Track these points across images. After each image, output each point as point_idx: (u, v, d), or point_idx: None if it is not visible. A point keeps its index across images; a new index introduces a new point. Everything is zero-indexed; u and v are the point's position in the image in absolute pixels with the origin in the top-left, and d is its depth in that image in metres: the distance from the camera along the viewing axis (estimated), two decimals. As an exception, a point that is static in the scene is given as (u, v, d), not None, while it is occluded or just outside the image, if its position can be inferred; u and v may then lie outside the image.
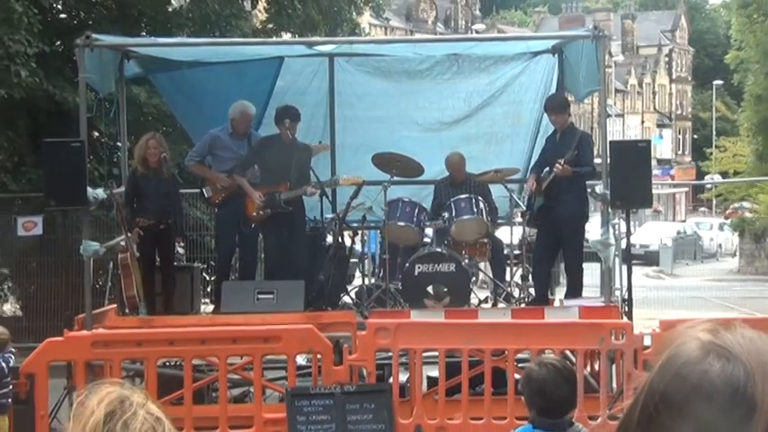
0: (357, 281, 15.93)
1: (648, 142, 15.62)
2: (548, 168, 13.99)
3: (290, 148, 14.30)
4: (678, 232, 54.42)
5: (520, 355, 12.26)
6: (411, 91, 16.00)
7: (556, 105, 14.37)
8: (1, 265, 22.05)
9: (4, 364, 10.91)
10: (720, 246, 57.63)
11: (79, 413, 2.65)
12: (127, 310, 14.28)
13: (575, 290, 14.60)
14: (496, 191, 15.10)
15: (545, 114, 15.53)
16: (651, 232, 50.62)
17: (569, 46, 15.33)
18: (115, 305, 14.50)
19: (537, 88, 15.96)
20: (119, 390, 2.66)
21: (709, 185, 67.26)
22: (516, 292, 15.11)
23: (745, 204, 52.00)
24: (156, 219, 14.42)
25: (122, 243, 14.50)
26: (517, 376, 12.01)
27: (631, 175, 13.15)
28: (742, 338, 1.37)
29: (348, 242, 15.69)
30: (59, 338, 12.16)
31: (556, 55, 15.72)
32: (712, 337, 1.37)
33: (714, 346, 1.36)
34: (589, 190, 14.20)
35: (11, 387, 10.98)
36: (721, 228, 58.94)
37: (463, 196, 14.28)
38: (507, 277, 15.31)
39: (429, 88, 16.03)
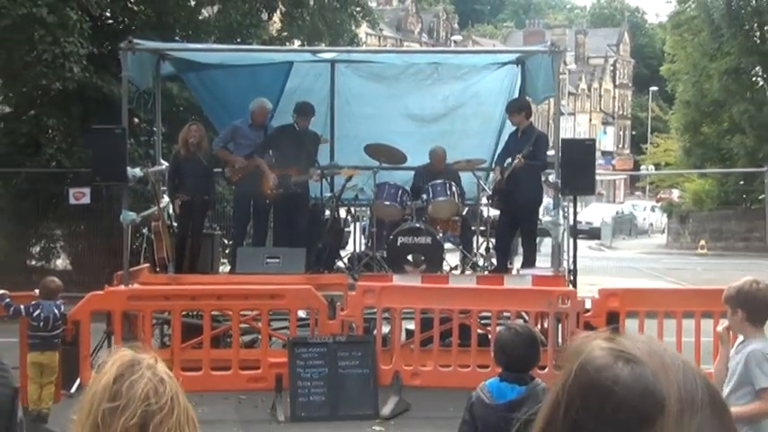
0: (349, 249, 15.87)
1: (593, 140, 15.69)
2: (509, 160, 14.05)
3: (303, 138, 14.35)
4: (617, 212, 54.53)
5: (482, 314, 12.27)
6: (398, 93, 15.99)
7: (513, 108, 14.45)
8: (55, 227, 22.03)
9: (56, 311, 10.87)
10: (652, 224, 57.80)
11: (98, 372, 2.66)
12: (158, 269, 14.32)
13: (529, 261, 14.69)
14: (466, 177, 15.12)
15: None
16: (595, 212, 50.80)
17: (530, 59, 15.44)
18: (148, 264, 14.51)
19: (503, 93, 15.98)
20: (132, 354, 2.65)
21: (644, 174, 67.25)
22: (481, 262, 15.15)
23: (675, 191, 52.21)
24: (193, 195, 14.48)
25: (155, 213, 14.50)
26: (479, 332, 12.09)
27: (578, 168, 13.18)
28: (638, 343, 1.35)
29: (343, 216, 15.70)
30: (100, 292, 12.17)
31: (519, 65, 15.74)
32: (614, 345, 1.35)
33: (619, 353, 1.33)
34: (543, 179, 14.22)
35: (61, 330, 10.95)
36: (653, 209, 59.30)
37: (438, 181, 14.30)
38: (474, 249, 15.30)
39: (413, 91, 16.03)
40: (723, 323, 6.46)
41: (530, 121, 14.60)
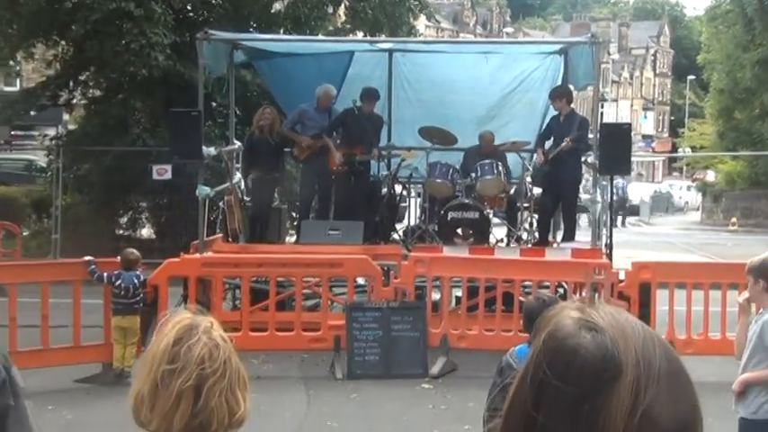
0: (404, 222, 15.85)
1: (630, 125, 15.46)
2: (553, 143, 13.97)
3: (367, 121, 14.32)
4: (655, 191, 54.07)
5: (525, 283, 12.20)
6: (450, 80, 15.85)
7: (555, 95, 14.30)
8: (141, 200, 22.23)
9: (136, 280, 10.98)
10: (687, 202, 57.02)
11: (160, 333, 2.65)
12: (230, 239, 14.39)
13: (569, 235, 14.57)
14: (512, 158, 15.02)
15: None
16: (634, 191, 50.16)
17: (573, 49, 15.25)
18: (222, 234, 14.58)
19: (547, 81, 15.80)
20: (191, 318, 2.65)
21: (680, 156, 66.44)
22: (524, 236, 15.04)
23: (709, 172, 51.67)
24: (264, 172, 14.55)
25: (228, 188, 14.56)
26: (521, 299, 12.00)
27: (616, 150, 13.02)
28: (604, 314, 1.36)
29: (399, 192, 15.66)
30: (177, 259, 12.25)
31: (562, 55, 15.55)
32: (582, 315, 1.36)
33: (584, 321, 1.34)
34: (584, 159, 14.10)
35: (141, 296, 11.06)
36: (689, 189, 58.51)
37: (486, 161, 14.21)
38: (518, 224, 15.21)
39: (464, 78, 15.87)
40: (744, 295, 6.35)
41: (571, 107, 14.43)
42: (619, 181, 43.34)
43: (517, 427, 1.34)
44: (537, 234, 14.82)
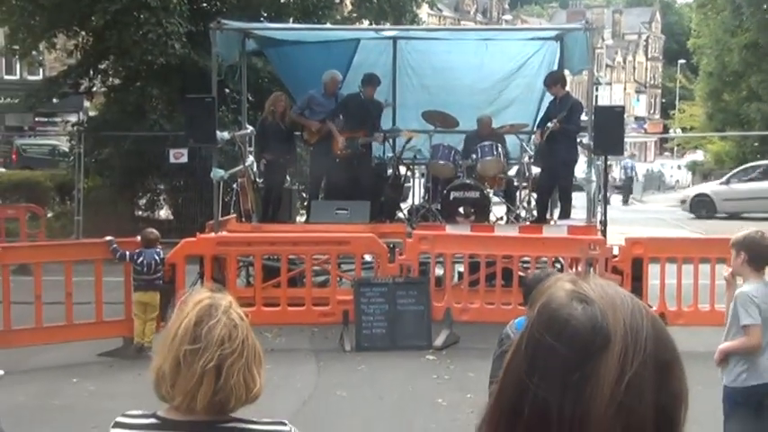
0: (408, 202, 15.84)
1: (622, 107, 15.36)
2: (549, 124, 13.95)
3: (369, 105, 14.33)
4: (647, 170, 54.01)
5: (523, 259, 12.18)
6: (452, 66, 15.81)
7: (549, 81, 14.22)
8: (158, 183, 22.25)
9: (157, 257, 11.02)
10: (678, 181, 56.92)
11: (180, 311, 2.65)
12: (243, 219, 14.43)
13: (565, 213, 14.56)
14: (511, 140, 15.00)
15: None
16: (615, 170, 50.09)
17: (568, 35, 15.25)
18: (235, 215, 14.59)
19: (544, 66, 15.77)
20: (210, 297, 2.65)
21: (671, 137, 66.35)
22: (523, 214, 15.01)
23: (699, 152, 51.61)
24: (276, 155, 14.56)
25: (241, 170, 14.57)
26: (520, 274, 11.99)
27: (609, 131, 13.00)
28: (595, 286, 1.38)
29: (403, 173, 15.63)
30: (193, 239, 12.27)
31: (558, 42, 15.52)
32: (574, 287, 1.38)
33: (576, 293, 1.36)
34: (579, 140, 14.06)
35: (161, 273, 11.09)
36: (679, 168, 58.47)
37: (486, 143, 14.20)
38: (517, 202, 15.19)
39: (465, 64, 15.82)
40: (728, 270, 6.36)
41: (566, 91, 14.36)
42: (628, 161, 43.48)
43: (512, 392, 1.35)
44: (535, 212, 14.80)
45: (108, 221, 17.57)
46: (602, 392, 1.28)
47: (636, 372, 1.29)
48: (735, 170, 34.54)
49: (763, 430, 6.27)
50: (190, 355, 2.52)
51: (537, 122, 14.95)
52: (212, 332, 2.53)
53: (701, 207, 31.13)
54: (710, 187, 32.13)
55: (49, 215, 20.99)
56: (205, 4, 21.24)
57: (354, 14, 22.53)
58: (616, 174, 43.78)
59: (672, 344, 1.37)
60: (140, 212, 22.35)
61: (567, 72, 15.92)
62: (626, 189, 43.13)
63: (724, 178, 34.21)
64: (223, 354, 2.51)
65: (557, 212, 15.50)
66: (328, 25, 19.30)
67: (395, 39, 15.91)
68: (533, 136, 14.59)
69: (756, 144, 39.78)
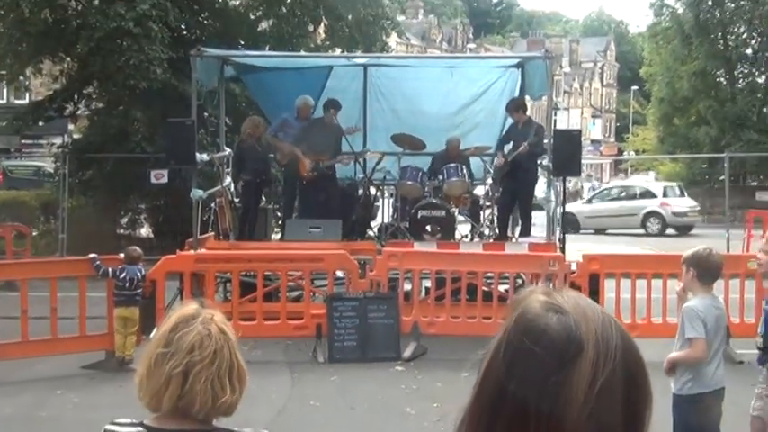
0: (378, 220, 15.83)
1: (579, 131, 15.44)
2: (512, 147, 14.04)
3: (331, 129, 14.34)
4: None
5: (487, 275, 12.21)
6: (419, 92, 15.89)
7: (511, 107, 14.42)
8: (140, 202, 22.14)
9: (139, 274, 10.96)
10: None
11: (165, 320, 2.67)
12: (221, 237, 14.35)
13: (526, 230, 14.64)
14: (475, 161, 15.06)
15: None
16: (585, 190, 50.34)
17: (529, 63, 15.37)
18: (214, 233, 14.52)
19: (506, 91, 15.88)
20: (196, 308, 2.66)
21: (625, 159, 66.85)
22: (486, 231, 15.06)
23: (651, 173, 51.95)
24: (252, 176, 14.54)
25: (219, 190, 14.52)
26: (484, 289, 12.02)
27: (567, 154, 13.04)
28: (567, 298, 1.41)
29: (373, 193, 15.64)
30: (173, 256, 12.20)
31: (519, 69, 15.62)
32: (548, 298, 1.41)
33: (550, 304, 1.39)
34: (539, 162, 14.14)
35: (141, 289, 11.03)
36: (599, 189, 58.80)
37: (452, 165, 14.28)
38: (481, 221, 15.22)
39: (432, 90, 15.88)
40: (680, 284, 6.42)
41: (527, 116, 14.50)
42: (596, 183, 43.84)
43: (491, 395, 1.38)
44: (497, 230, 14.86)
45: (91, 239, 17.41)
46: (576, 397, 1.31)
47: (607, 378, 1.32)
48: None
49: None
50: (160, 357, 2.53)
51: (496, 146, 15.06)
52: (183, 339, 2.53)
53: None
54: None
55: (35, 233, 20.76)
56: (185, 32, 21.20)
57: (327, 43, 22.57)
58: (585, 194, 44.29)
59: (638, 353, 1.40)
60: (122, 231, 22.20)
61: (527, 97, 16.07)
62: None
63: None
64: (191, 360, 2.50)
65: (518, 230, 15.59)
66: (302, 53, 19.33)
67: (365, 66, 15.94)
68: (495, 158, 14.66)
69: (705, 166, 40.17)
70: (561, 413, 1.31)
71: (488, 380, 1.40)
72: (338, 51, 21.45)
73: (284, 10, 21.63)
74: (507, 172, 14.21)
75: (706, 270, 6.06)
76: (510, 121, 14.98)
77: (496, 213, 15.08)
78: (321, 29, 22.86)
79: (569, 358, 1.33)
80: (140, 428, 2.61)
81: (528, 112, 14.66)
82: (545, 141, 13.95)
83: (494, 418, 1.37)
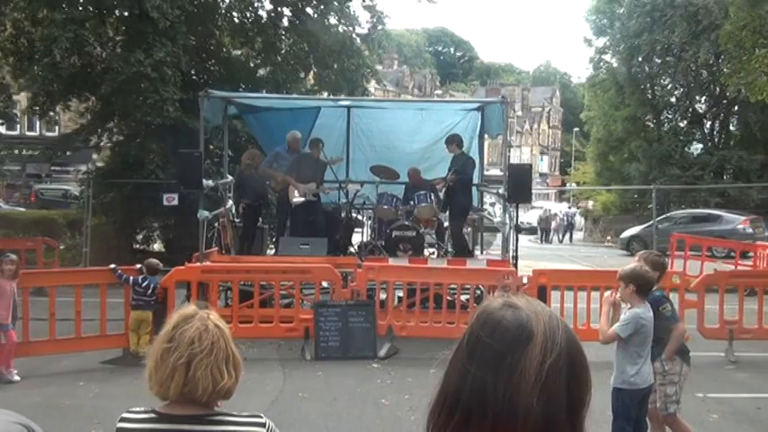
0: (358, 239, 15.81)
1: (530, 165, 15.48)
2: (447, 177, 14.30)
3: (315, 162, 14.34)
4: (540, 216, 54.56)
5: (451, 286, 12.22)
6: (394, 130, 15.90)
7: (448, 141, 14.39)
8: (153, 221, 22.03)
9: (156, 283, 10.99)
10: (573, 224, 57.55)
11: (168, 320, 2.68)
12: (223, 252, 14.29)
13: (459, 252, 14.50)
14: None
15: (474, 144, 15.68)
16: (533, 215, 50.54)
17: (487, 107, 15.47)
18: (217, 248, 14.45)
19: (468, 130, 15.87)
20: (194, 309, 2.68)
21: (568, 189, 67.20)
22: (450, 249, 15.03)
23: (590, 201, 52.28)
24: (251, 200, 14.52)
25: (222, 212, 14.47)
26: (448, 298, 12.03)
27: (520, 184, 13.09)
28: (521, 299, 1.47)
29: (355, 216, 15.61)
30: (182, 267, 12.14)
31: (479, 111, 15.67)
32: (506, 299, 1.47)
33: (507, 303, 1.46)
34: (495, 190, 14.20)
35: (156, 296, 10.99)
36: (574, 214, 59.12)
37: (422, 192, 14.28)
38: (445, 240, 15.22)
39: (405, 128, 15.91)
40: (610, 293, 6.47)
41: (461, 150, 14.45)
42: (570, 210, 44.14)
43: (456, 377, 1.41)
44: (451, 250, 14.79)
45: (111, 253, 17.34)
46: (528, 374, 1.35)
47: (553, 360, 1.37)
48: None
49: (639, 423, 6.40)
50: (165, 352, 2.54)
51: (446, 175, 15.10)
52: (184, 334, 2.54)
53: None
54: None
55: (62, 247, 20.63)
56: (195, 77, 21.17)
57: (316, 87, 22.64)
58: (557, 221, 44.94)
59: (579, 344, 1.45)
60: (138, 245, 22.09)
61: (486, 135, 16.14)
62: (565, 231, 45.47)
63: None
64: (192, 352, 2.51)
65: (477, 249, 15.62)
66: (295, 95, 19.33)
67: (349, 107, 15.97)
68: (438, 186, 14.66)
69: (636, 196, 40.45)
70: (516, 387, 1.35)
71: (453, 366, 1.44)
72: (325, 94, 21.48)
73: (279, 59, 21.67)
74: (447, 199, 14.34)
75: (643, 284, 6.16)
76: (474, 154, 15.09)
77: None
78: (311, 75, 22.92)
79: (521, 343, 1.38)
80: (152, 415, 2.61)
81: (462, 148, 14.56)
82: (499, 173, 14.02)
83: (458, 396, 1.40)
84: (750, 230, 28.90)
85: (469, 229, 15.89)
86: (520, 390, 1.34)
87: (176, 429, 2.56)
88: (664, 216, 33.56)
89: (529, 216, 47.69)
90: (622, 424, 6.23)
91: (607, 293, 6.48)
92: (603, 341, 6.29)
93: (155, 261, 11.58)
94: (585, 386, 1.42)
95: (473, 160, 14.55)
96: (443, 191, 14.33)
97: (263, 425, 2.60)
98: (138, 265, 11.42)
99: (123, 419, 2.64)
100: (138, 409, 2.66)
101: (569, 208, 47.83)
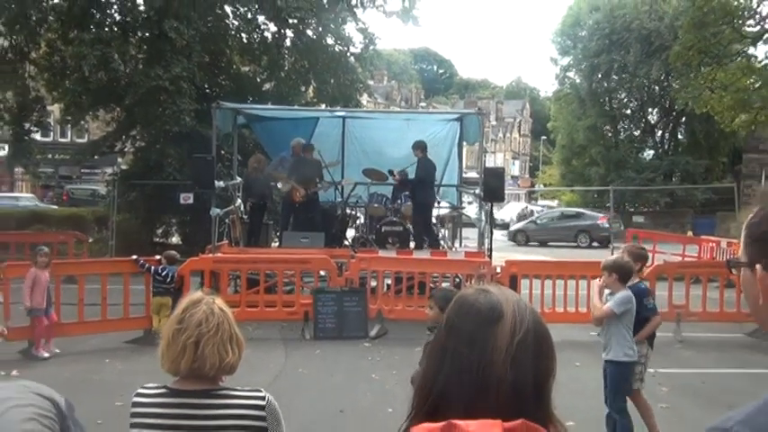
0: (352, 233, 15.78)
1: (503, 169, 15.63)
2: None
3: (311, 164, 14.26)
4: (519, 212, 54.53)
5: (433, 275, 12.22)
6: (384, 137, 15.81)
7: (414, 146, 14.14)
8: (171, 217, 21.94)
9: (174, 272, 10.95)
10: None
11: (178, 305, 2.69)
12: (233, 244, 14.25)
13: (430, 244, 14.39)
14: (449, 191, 15.19)
15: (453, 150, 15.65)
16: (506, 213, 50.55)
17: (466, 117, 15.47)
18: (227, 241, 14.41)
19: (449, 138, 15.91)
20: (201, 295, 2.69)
21: (536, 190, 67.37)
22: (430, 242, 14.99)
23: (555, 201, 52.42)
24: (258, 199, 14.48)
25: (232, 209, 14.43)
26: (431, 285, 12.02)
27: (494, 185, 13.09)
28: (493, 286, 1.50)
29: (349, 213, 15.57)
30: (196, 258, 12.11)
31: (459, 122, 15.65)
32: (481, 286, 1.49)
33: (480, 289, 1.48)
34: (473, 191, 14.16)
35: (174, 283, 10.94)
36: (542, 211, 59.12)
37: (407, 192, 14.27)
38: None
39: (393, 136, 15.80)
40: (597, 282, 6.39)
41: (424, 154, 14.17)
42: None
43: (437, 353, 1.43)
44: (442, 242, 14.80)
45: (133, 245, 17.17)
46: (499, 348, 1.37)
47: (522, 336, 1.38)
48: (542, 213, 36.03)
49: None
50: (176, 333, 2.54)
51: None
52: (193, 317, 2.55)
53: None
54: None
55: (90, 240, 20.56)
56: (208, 90, 21.09)
57: (315, 99, 22.58)
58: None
59: (544, 324, 1.46)
60: (157, 239, 21.98)
61: (464, 142, 16.10)
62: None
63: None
64: (200, 332, 2.51)
65: (456, 242, 15.61)
66: (296, 107, 19.29)
67: (344, 117, 15.95)
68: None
69: (595, 196, 40.62)
70: (489, 359, 1.36)
71: (435, 345, 1.46)
72: (323, 106, 21.44)
73: (283, 75, 21.64)
74: (412, 196, 14.18)
75: (625, 273, 6.23)
76: (452, 161, 15.08)
77: (443, 230, 15.05)
78: (311, 89, 22.86)
79: (492, 321, 1.40)
80: (164, 390, 2.60)
81: (426, 152, 14.26)
82: (475, 176, 13.99)
83: (439, 370, 1.41)
84: (606, 225, 30.42)
85: (449, 224, 15.89)
86: (492, 362, 1.36)
87: (186, 403, 2.55)
88: (542, 214, 34.85)
89: (502, 213, 47.69)
90: (621, 396, 6.26)
91: (595, 281, 6.43)
92: (598, 317, 6.20)
93: (173, 252, 11.53)
94: (551, 360, 1.42)
95: (433, 163, 14.35)
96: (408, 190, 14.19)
97: (262, 398, 2.59)
98: (158, 257, 11.38)
99: (138, 395, 2.63)
100: (151, 385, 2.65)
101: (541, 209, 47.67)
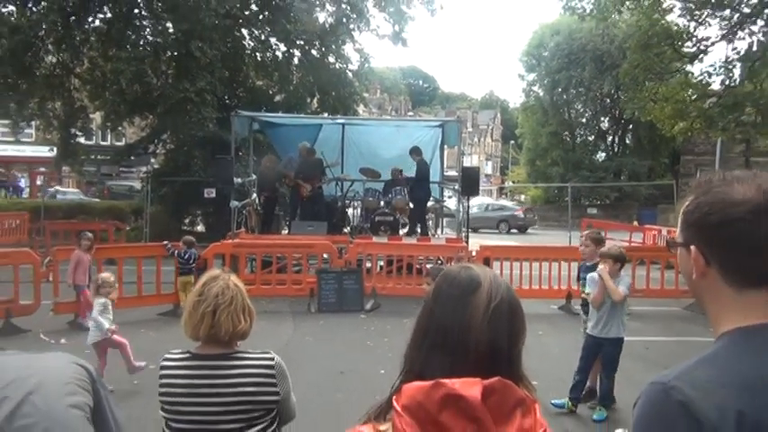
0: (350, 223, 15.72)
1: (478, 168, 15.63)
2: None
3: (314, 163, 14.17)
4: (489, 205, 54.51)
5: (419, 258, 12.20)
6: (377, 141, 15.77)
7: (411, 152, 14.32)
8: (197, 209, 21.85)
9: (195, 254, 10.85)
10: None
11: (199, 280, 2.69)
12: (249, 232, 14.17)
13: (422, 231, 14.43)
14: (434, 188, 15.03)
15: (436, 152, 15.61)
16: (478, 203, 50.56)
17: (447, 124, 15.46)
18: (244, 230, 14.35)
19: (431, 142, 15.85)
20: (219, 272, 2.71)
21: (506, 187, 67.40)
22: (419, 230, 14.92)
23: (522, 195, 52.46)
24: (271, 193, 14.41)
25: (248, 201, 14.36)
26: (417, 267, 12.02)
27: (470, 182, 13.13)
28: (474, 264, 1.50)
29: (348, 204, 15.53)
30: (218, 243, 12.05)
31: (441, 128, 15.61)
32: (463, 264, 1.50)
33: (462, 266, 1.48)
34: (452, 186, 14.15)
35: (195, 264, 10.86)
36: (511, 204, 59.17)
37: (398, 188, 14.28)
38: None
39: (385, 139, 15.79)
40: (602, 268, 6.24)
41: (420, 157, 14.34)
42: (512, 204, 44.28)
43: (425, 318, 1.43)
44: (420, 229, 14.75)
45: (164, 233, 17.09)
46: (478, 312, 1.37)
47: (497, 303, 1.39)
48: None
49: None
50: (197, 303, 2.54)
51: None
52: (211, 290, 2.55)
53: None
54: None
55: (128, 228, 20.48)
56: (228, 101, 20.90)
57: (318, 109, 22.46)
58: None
59: (516, 297, 1.46)
60: (185, 227, 21.86)
61: (445, 146, 16.06)
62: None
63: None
64: (217, 302, 2.52)
65: (439, 230, 15.58)
66: (303, 115, 19.20)
67: (343, 124, 15.83)
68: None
69: (556, 191, 40.68)
70: (468, 323, 1.36)
71: (423, 312, 1.45)
72: (326, 115, 21.34)
73: (291, 88, 21.48)
74: (410, 192, 14.24)
75: (622, 261, 6.29)
76: (436, 162, 15.06)
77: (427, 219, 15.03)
78: (315, 101, 22.75)
79: (472, 290, 1.40)
80: (187, 354, 2.60)
81: (421, 155, 14.40)
82: (454, 174, 13.95)
83: (426, 331, 1.41)
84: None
85: (432, 215, 15.85)
86: (471, 325, 1.36)
87: (206, 365, 2.55)
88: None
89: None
90: (614, 368, 6.31)
91: (602, 266, 6.24)
92: (619, 299, 6.14)
93: (190, 237, 11.42)
94: (521, 325, 1.42)
95: (428, 165, 14.47)
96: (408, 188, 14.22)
97: (271, 358, 2.59)
98: (181, 242, 11.31)
99: (165, 359, 2.63)
100: (176, 351, 2.65)
101: (513, 203, 47.58)
